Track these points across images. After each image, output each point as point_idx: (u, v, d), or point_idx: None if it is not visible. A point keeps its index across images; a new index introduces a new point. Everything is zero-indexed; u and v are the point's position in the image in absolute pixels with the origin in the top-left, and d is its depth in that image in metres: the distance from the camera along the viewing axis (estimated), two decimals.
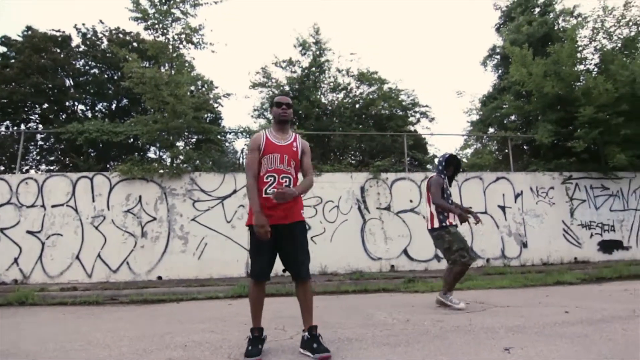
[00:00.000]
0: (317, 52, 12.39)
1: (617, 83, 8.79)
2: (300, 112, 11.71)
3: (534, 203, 8.76)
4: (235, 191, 8.00)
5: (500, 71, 14.49)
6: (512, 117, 12.57)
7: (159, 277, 7.49)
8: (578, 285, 5.66)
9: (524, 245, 8.53)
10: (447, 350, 2.60)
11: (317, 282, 6.63)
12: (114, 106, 14.47)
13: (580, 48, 10.24)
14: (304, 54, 12.59)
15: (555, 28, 12.81)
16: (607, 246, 8.92)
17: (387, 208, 8.21)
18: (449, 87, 44.00)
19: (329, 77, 12.70)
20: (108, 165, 11.58)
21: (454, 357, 2.44)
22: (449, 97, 45.72)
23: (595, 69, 10.34)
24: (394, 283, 6.05)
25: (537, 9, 13.92)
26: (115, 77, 13.78)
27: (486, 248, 8.36)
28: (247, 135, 8.72)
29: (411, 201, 8.30)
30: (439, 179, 4.29)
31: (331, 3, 52.83)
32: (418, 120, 13.39)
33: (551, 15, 13.35)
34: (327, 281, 6.67)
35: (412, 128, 13.15)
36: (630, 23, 9.77)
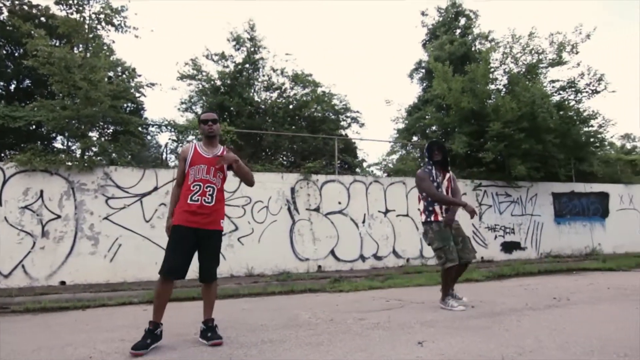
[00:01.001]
0: (252, 49, 12.14)
1: (520, 103, 9.95)
2: (231, 108, 11.36)
3: None
4: (156, 188, 7.45)
5: (424, 84, 15.58)
6: (434, 128, 13.56)
7: (62, 282, 6.67)
8: (483, 282, 6.25)
9: None
10: (367, 346, 2.67)
11: (242, 284, 6.45)
12: (12, 87, 12.62)
13: (492, 69, 11.41)
14: (238, 49, 12.27)
15: (473, 49, 14.14)
16: (508, 247, 10.04)
17: (317, 209, 8.31)
18: (379, 96, 46.14)
19: (263, 76, 12.54)
20: (2, 155, 10.06)
21: (371, 353, 2.52)
22: (379, 105, 48.00)
23: (504, 89, 11.61)
24: (321, 283, 6.11)
25: (459, 30, 15.27)
26: (17, 54, 12.04)
27: (407, 248, 8.87)
28: (172, 129, 8.21)
29: (340, 203, 8.51)
30: (421, 172, 4.05)
31: (268, 2, 52.35)
32: (349, 125, 13.83)
33: (470, 37, 14.74)
34: (253, 283, 6.52)
35: (343, 132, 13.52)
36: (533, 51, 11.15)
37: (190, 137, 8.59)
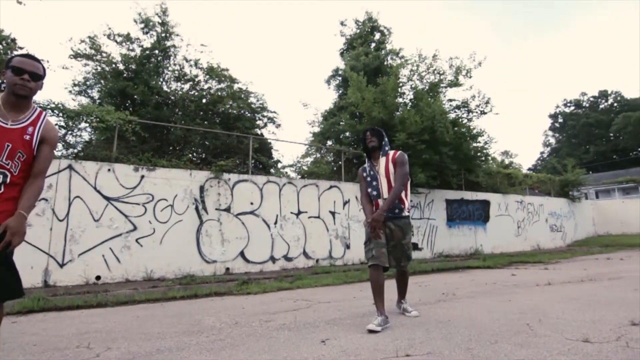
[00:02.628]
0: (163, 35, 11.24)
1: (423, 117, 10.92)
2: (135, 96, 10.34)
3: (358, 210, 10.00)
4: None
5: (340, 91, 16.19)
6: (347, 134, 14.15)
7: None
8: (386, 281, 6.65)
9: (348, 246, 9.61)
10: (271, 348, 2.62)
11: (139, 289, 5.88)
12: None
13: (401, 84, 12.34)
14: (147, 32, 11.23)
15: (385, 63, 15.14)
16: None
17: (227, 209, 8.00)
18: (296, 98, 46.65)
19: (175, 65, 11.68)
20: None
21: (276, 354, 2.48)
22: (296, 108, 48.57)
23: (410, 103, 12.62)
24: (228, 286, 5.88)
25: (373, 44, 16.23)
26: None
27: (316, 249, 9.05)
28: (60, 113, 7.15)
29: (252, 203, 8.32)
30: (360, 170, 3.66)
31: None
32: (265, 125, 13.65)
33: (383, 52, 15.76)
34: (152, 288, 5.99)
35: (258, 131, 13.29)
36: (435, 72, 12.34)
37: (83, 124, 7.60)
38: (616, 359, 2.21)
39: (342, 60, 16.38)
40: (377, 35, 16.38)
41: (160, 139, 10.42)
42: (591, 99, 52.09)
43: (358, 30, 16.42)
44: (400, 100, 12.65)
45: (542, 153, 54.00)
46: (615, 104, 49.32)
